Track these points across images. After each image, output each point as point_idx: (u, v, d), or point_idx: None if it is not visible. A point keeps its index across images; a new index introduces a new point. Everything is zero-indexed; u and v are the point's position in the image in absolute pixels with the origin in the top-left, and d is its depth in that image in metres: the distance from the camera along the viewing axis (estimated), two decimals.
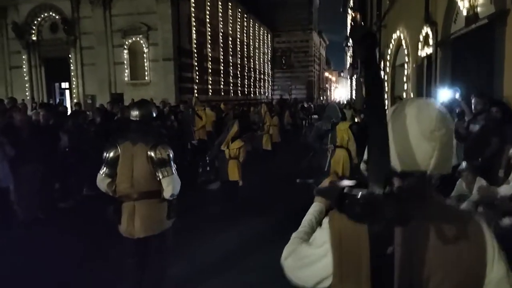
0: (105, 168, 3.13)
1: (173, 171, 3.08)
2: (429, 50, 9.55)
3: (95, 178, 3.24)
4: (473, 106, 5.20)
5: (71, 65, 19.75)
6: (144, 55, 18.75)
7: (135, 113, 3.13)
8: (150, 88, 18.49)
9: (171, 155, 3.09)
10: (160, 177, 3.03)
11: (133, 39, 18.67)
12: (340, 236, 1.01)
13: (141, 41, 18.64)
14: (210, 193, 6.91)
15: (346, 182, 0.87)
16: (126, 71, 18.94)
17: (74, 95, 19.97)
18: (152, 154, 3.02)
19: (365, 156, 0.97)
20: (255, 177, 7.83)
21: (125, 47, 18.74)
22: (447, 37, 7.93)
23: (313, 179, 1.46)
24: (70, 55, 19.59)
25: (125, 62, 18.87)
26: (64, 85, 21.35)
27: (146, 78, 18.85)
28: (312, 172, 5.82)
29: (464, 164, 4.81)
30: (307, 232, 1.20)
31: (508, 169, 4.64)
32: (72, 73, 19.80)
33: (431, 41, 9.20)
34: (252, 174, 7.55)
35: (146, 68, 18.79)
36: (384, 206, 0.76)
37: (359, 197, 0.79)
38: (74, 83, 19.90)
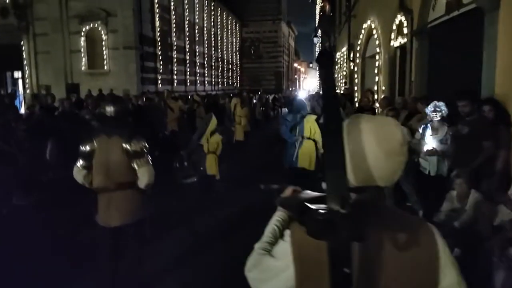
0: (81, 161, 3.26)
1: (148, 161, 3.27)
2: (403, 40, 9.19)
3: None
4: (459, 109, 4.40)
5: (24, 53, 18.36)
6: (103, 43, 17.59)
7: (109, 109, 3.29)
8: (109, 78, 17.38)
9: (144, 147, 3.27)
10: (136, 167, 3.22)
11: (91, 25, 17.45)
12: (301, 249, 1.02)
13: (99, 28, 17.42)
14: (187, 187, 7.06)
15: (307, 195, 0.89)
16: (83, 59, 17.74)
17: (27, 85, 18.53)
18: (128, 146, 3.19)
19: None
20: (231, 169, 7.93)
21: (82, 34, 17.53)
22: (424, 25, 7.53)
23: (277, 185, 1.38)
24: (22, 42, 18.17)
25: (82, 50, 17.64)
26: (17, 74, 19.91)
27: (105, 67, 17.70)
28: (281, 160, 6.14)
29: (455, 172, 4.08)
30: (270, 242, 1.18)
31: (502, 179, 3.96)
32: (25, 62, 18.37)
33: (405, 30, 8.81)
34: (228, 165, 7.72)
35: (105, 56, 17.65)
36: (341, 223, 0.74)
37: (317, 213, 0.79)
38: (27, 72, 18.47)
